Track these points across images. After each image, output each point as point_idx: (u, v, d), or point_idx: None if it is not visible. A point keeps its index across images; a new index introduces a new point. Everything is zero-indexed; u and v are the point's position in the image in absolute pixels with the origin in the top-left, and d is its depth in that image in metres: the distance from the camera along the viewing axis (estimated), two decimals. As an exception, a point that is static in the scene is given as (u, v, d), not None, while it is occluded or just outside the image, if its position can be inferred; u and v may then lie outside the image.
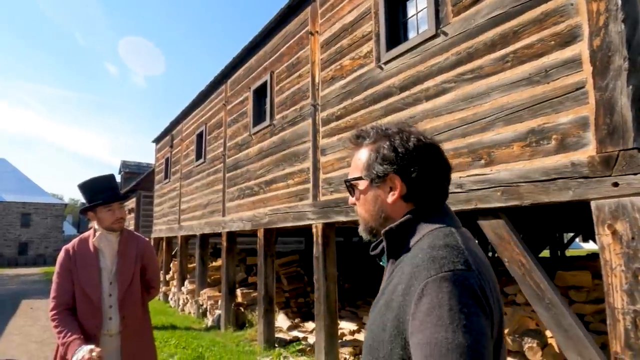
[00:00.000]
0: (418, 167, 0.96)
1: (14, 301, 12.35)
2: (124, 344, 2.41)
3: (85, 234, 2.60)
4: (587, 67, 2.69)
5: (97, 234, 2.50)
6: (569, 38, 2.82)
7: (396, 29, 4.50)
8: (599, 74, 2.62)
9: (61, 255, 2.49)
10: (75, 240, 2.57)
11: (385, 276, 1.00)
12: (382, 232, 0.98)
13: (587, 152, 2.68)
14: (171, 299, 11.57)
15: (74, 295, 2.40)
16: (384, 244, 1.00)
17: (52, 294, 2.41)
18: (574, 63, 2.78)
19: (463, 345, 0.73)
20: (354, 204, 1.09)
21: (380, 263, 1.08)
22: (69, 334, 2.23)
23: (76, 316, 2.37)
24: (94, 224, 2.57)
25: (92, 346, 2.12)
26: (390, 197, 0.98)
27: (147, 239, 2.75)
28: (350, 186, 1.07)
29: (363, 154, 1.04)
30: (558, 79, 2.86)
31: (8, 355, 6.32)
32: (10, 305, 11.40)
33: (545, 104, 2.93)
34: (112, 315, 2.42)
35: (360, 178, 1.03)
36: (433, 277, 0.80)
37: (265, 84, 7.06)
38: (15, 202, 38.01)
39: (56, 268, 2.48)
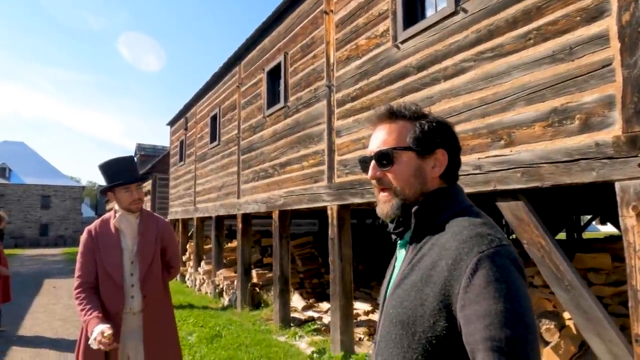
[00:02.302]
0: (455, 146, 1.05)
1: (37, 280, 12.76)
2: (146, 322, 2.48)
3: (106, 215, 2.65)
4: (615, 44, 2.59)
5: (117, 215, 2.55)
6: (596, 13, 2.71)
7: (413, 6, 4.39)
8: (628, 51, 2.52)
9: (84, 236, 2.54)
10: (97, 221, 2.62)
11: (407, 254, 1.01)
12: (413, 211, 1.00)
13: (612, 131, 2.60)
14: (188, 279, 11.82)
15: (97, 275, 2.46)
16: (410, 222, 1.01)
17: (77, 273, 2.47)
18: (600, 39, 2.68)
19: (520, 314, 0.80)
20: (379, 179, 1.05)
21: (399, 241, 1.09)
22: (90, 312, 2.29)
23: (99, 295, 2.44)
24: (114, 205, 2.61)
25: (105, 326, 2.16)
26: (435, 171, 1.03)
27: (167, 220, 2.79)
28: (385, 157, 1.03)
29: (403, 127, 1.05)
30: (583, 56, 2.77)
31: (35, 331, 6.57)
32: (33, 285, 11.79)
33: (569, 82, 2.84)
34: (134, 294, 2.48)
35: (409, 148, 1.03)
36: (485, 252, 0.85)
37: (279, 65, 7.00)
38: (35, 185, 38.96)
39: (79, 248, 2.55)
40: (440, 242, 0.93)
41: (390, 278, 1.08)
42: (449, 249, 0.90)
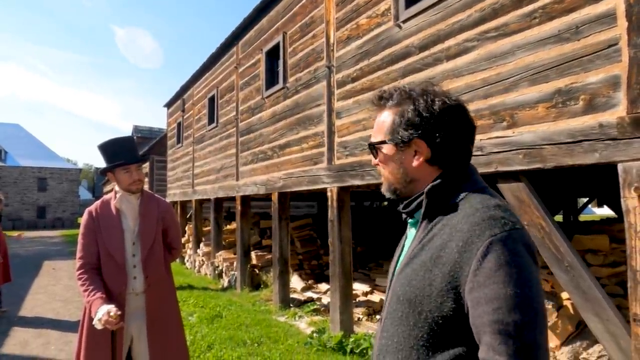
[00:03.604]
0: (443, 131, 0.97)
1: (36, 262, 12.81)
2: (149, 302, 2.49)
3: (107, 196, 2.63)
4: (622, 23, 2.55)
5: (118, 195, 2.53)
6: (604, -9, 2.65)
7: (416, -16, 4.29)
8: (635, 30, 2.48)
9: (85, 217, 2.53)
10: (97, 203, 2.60)
11: (417, 233, 1.00)
12: (426, 190, 0.98)
13: (617, 112, 2.58)
14: (187, 260, 11.89)
15: (99, 256, 2.46)
16: (421, 201, 0.99)
17: (78, 254, 2.47)
18: (607, 18, 2.63)
19: (530, 299, 0.80)
20: (378, 165, 1.09)
21: (409, 222, 1.08)
22: (93, 292, 2.30)
23: (101, 276, 2.44)
24: (113, 187, 2.59)
25: (111, 306, 2.17)
26: (415, 161, 1.00)
27: (168, 201, 2.78)
28: (374, 148, 1.07)
29: (387, 117, 1.04)
30: (589, 35, 2.72)
31: (36, 312, 6.62)
32: (33, 266, 11.84)
33: (574, 62, 2.80)
34: (137, 274, 2.48)
35: (384, 142, 1.04)
36: (498, 235, 0.84)
37: (277, 45, 6.89)
38: (31, 167, 38.77)
39: (81, 229, 2.53)
40: (452, 223, 0.92)
41: (400, 256, 1.08)
42: (460, 231, 0.89)
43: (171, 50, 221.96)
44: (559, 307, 3.63)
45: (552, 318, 3.52)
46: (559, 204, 11.77)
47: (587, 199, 13.32)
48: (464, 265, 0.85)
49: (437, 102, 0.98)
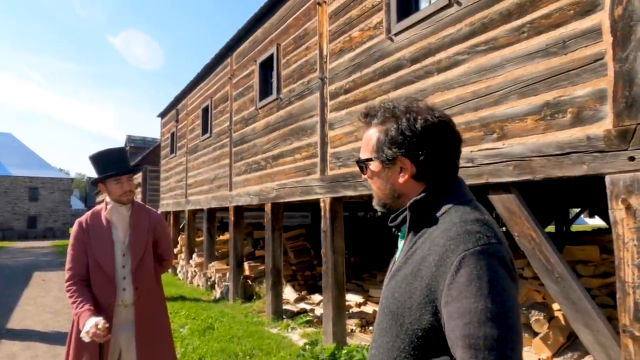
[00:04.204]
0: (426, 149, 0.99)
1: (26, 273, 12.63)
2: (138, 315, 2.46)
3: (98, 207, 2.62)
4: (607, 38, 2.61)
5: (109, 206, 2.52)
6: (589, 7, 2.72)
7: (407, -2, 4.37)
8: (620, 45, 2.54)
9: (75, 227, 2.51)
10: (88, 213, 2.59)
11: (404, 246, 1.03)
12: (408, 204, 1.00)
13: (604, 125, 2.63)
14: (179, 271, 11.78)
15: (88, 267, 2.44)
16: (406, 215, 1.01)
17: (67, 265, 2.45)
18: (593, 33, 2.69)
19: (501, 314, 0.79)
20: (367, 179, 1.12)
21: (398, 234, 1.11)
22: (81, 305, 2.27)
23: (90, 287, 2.41)
24: (106, 197, 2.58)
25: (99, 319, 2.16)
26: (401, 178, 1.03)
27: (159, 212, 2.77)
28: (362, 165, 1.10)
29: (373, 135, 1.07)
30: (576, 50, 2.78)
31: (24, 324, 6.51)
32: (23, 277, 11.66)
33: (562, 76, 2.86)
34: (126, 286, 2.46)
35: (371, 159, 1.07)
36: (471, 250, 0.84)
37: (271, 56, 6.94)
38: (23, 177, 38.38)
39: (70, 240, 2.52)
40: (432, 237, 0.94)
41: (391, 270, 1.10)
42: (437, 245, 0.90)
43: (169, 56, 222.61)
44: (550, 318, 3.64)
45: (543, 329, 3.53)
46: (551, 214, 11.86)
47: (579, 209, 13.43)
48: (439, 279, 0.86)
49: (419, 121, 0.99)
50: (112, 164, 2.49)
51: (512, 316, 0.81)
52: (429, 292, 0.88)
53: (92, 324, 2.13)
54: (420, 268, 0.91)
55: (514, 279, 0.87)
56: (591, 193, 7.22)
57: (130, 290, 2.46)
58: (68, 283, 2.40)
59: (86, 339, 2.14)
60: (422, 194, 1.00)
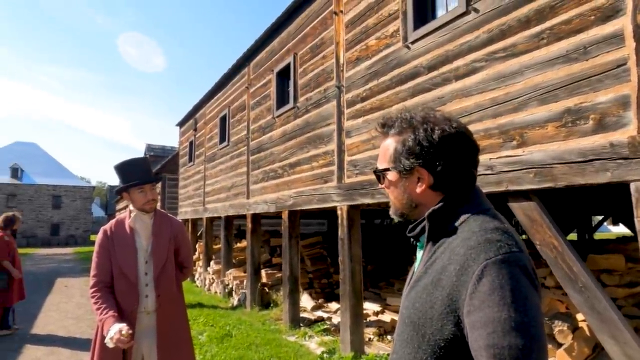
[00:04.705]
0: (444, 159, 0.99)
1: (49, 279, 12.93)
2: (159, 321, 2.50)
3: (122, 215, 2.68)
4: (630, 43, 2.57)
5: (132, 215, 2.58)
6: (611, 12, 2.68)
7: (424, 7, 4.38)
8: (643, 50, 2.50)
9: (100, 235, 2.58)
10: (112, 221, 2.65)
11: (423, 256, 1.03)
12: (426, 214, 1.00)
13: (628, 132, 2.58)
14: (197, 278, 11.89)
15: (112, 274, 2.49)
16: (425, 225, 1.02)
17: (92, 272, 2.51)
18: (615, 39, 2.65)
19: (525, 323, 0.79)
20: (385, 188, 1.13)
21: (417, 244, 1.11)
22: (105, 311, 2.32)
23: (114, 294, 2.47)
24: (129, 205, 2.65)
25: (123, 325, 2.20)
26: (419, 188, 1.03)
27: (180, 221, 2.82)
28: (379, 175, 1.11)
29: (390, 145, 1.07)
30: (597, 55, 2.74)
31: (48, 329, 6.66)
32: (46, 283, 11.94)
33: (583, 82, 2.82)
34: (148, 293, 2.51)
35: (388, 169, 1.07)
36: (492, 258, 0.84)
37: (288, 66, 7.02)
38: (47, 185, 39.47)
39: (95, 247, 2.58)
40: (452, 246, 0.94)
41: (411, 280, 1.10)
42: (457, 254, 0.90)
43: (181, 71, 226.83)
44: (575, 328, 3.55)
45: (567, 340, 3.45)
46: (573, 222, 11.59)
47: (602, 217, 13.09)
48: (461, 289, 0.86)
49: (436, 131, 1.00)
50: (135, 173, 2.55)
51: (535, 325, 0.80)
52: (450, 301, 0.88)
53: (116, 330, 2.17)
54: (440, 278, 0.91)
55: (536, 288, 0.86)
56: (614, 200, 7.05)
57: (153, 297, 2.51)
58: (92, 290, 2.46)
59: (110, 344, 2.19)
60: (440, 204, 1.00)
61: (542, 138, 3.07)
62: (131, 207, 2.61)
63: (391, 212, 1.12)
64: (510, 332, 0.78)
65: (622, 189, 2.72)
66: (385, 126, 1.09)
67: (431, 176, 1.00)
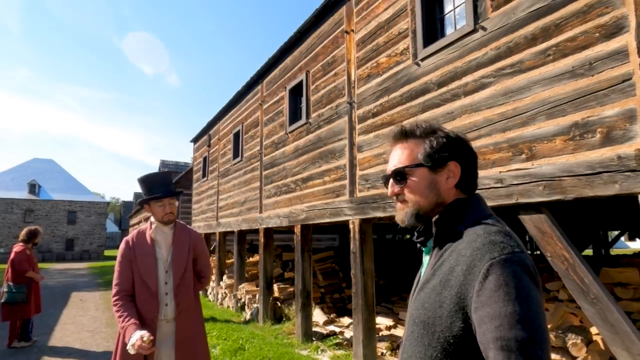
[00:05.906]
0: (467, 156, 1.12)
1: (65, 293, 13.11)
2: (178, 329, 2.59)
3: (143, 227, 2.80)
4: (634, 59, 2.64)
5: (153, 226, 2.69)
6: (615, 29, 2.77)
7: (433, 25, 4.51)
8: (647, 65, 2.56)
9: (122, 246, 2.69)
10: (134, 232, 2.77)
11: (430, 260, 1.10)
12: (433, 220, 1.09)
13: (634, 145, 2.63)
14: (210, 293, 11.95)
15: (134, 283, 2.60)
16: (432, 231, 1.10)
17: (115, 281, 2.61)
18: (620, 55, 2.73)
19: (529, 316, 0.86)
20: (397, 194, 1.15)
21: (423, 249, 1.18)
22: (127, 318, 2.42)
23: (135, 302, 2.56)
24: (151, 217, 2.76)
25: (144, 332, 2.28)
26: (449, 182, 1.10)
27: (199, 232, 2.93)
28: (400, 175, 1.14)
29: (414, 146, 1.14)
30: (603, 71, 2.82)
31: (65, 341, 6.77)
32: (61, 297, 12.11)
33: (590, 97, 2.89)
34: (168, 301, 2.60)
35: (420, 165, 1.12)
36: (497, 258, 0.91)
37: (300, 83, 7.19)
38: (62, 201, 40.18)
39: (117, 258, 2.69)
40: (458, 249, 1.01)
41: (418, 283, 1.17)
42: (464, 256, 0.98)
43: (195, 89, 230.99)
44: (589, 342, 3.54)
45: (581, 353, 3.43)
46: (588, 237, 11.44)
47: (618, 232, 12.88)
48: (468, 287, 0.93)
49: (452, 133, 1.14)
50: (156, 187, 2.67)
51: (538, 318, 0.86)
52: (458, 300, 0.94)
53: (137, 337, 2.26)
54: (449, 278, 0.99)
55: (537, 284, 0.93)
56: (630, 215, 6.99)
57: (172, 305, 2.60)
58: (115, 298, 2.56)
59: (132, 351, 2.27)
60: (445, 211, 1.09)
61: (551, 151, 3.13)
62: (152, 219, 2.73)
63: (404, 214, 1.13)
64: (515, 325, 0.84)
65: (635, 202, 2.76)
66: (407, 133, 1.16)
67: (460, 170, 1.10)
